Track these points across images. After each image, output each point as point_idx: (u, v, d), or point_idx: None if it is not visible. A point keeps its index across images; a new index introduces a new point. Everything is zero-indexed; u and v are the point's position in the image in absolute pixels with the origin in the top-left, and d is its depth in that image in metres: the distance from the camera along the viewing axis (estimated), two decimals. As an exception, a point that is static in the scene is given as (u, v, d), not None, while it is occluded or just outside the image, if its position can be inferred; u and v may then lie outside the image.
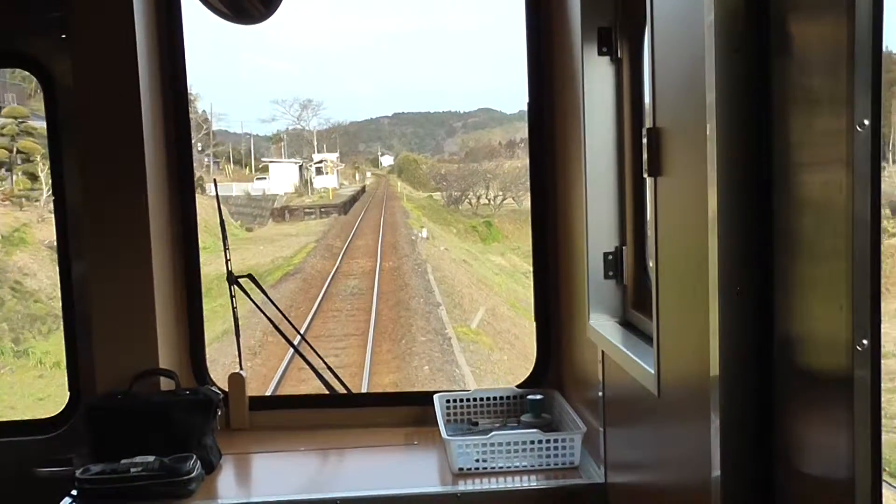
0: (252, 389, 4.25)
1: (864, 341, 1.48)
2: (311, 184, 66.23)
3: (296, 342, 4.35)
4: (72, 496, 3.19)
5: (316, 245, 35.13)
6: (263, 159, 72.82)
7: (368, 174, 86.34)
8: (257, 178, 63.73)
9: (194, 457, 3.32)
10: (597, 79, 3.02)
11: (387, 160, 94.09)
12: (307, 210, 53.24)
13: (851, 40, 1.43)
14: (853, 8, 1.42)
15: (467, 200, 54.69)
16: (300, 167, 69.05)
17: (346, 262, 30.20)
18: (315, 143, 79.13)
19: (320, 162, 72.10)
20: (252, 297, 4.01)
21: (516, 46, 3.94)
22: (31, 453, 3.62)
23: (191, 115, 4.20)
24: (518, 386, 3.95)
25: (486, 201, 52.27)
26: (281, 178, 64.14)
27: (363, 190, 71.73)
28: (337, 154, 79.85)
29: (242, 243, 35.43)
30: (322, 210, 52.93)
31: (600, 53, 3.01)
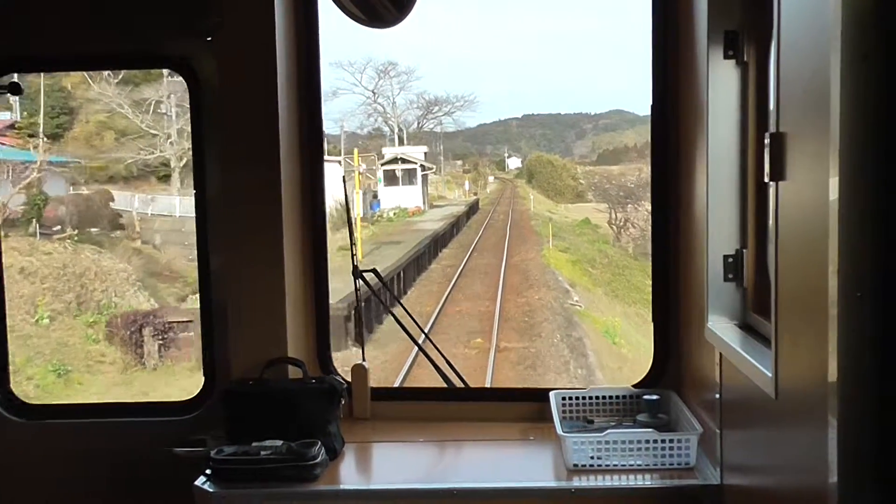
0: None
1: None
2: (372, 201, 41.10)
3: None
4: (206, 475, 3.36)
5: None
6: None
7: (491, 178, 72.91)
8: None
9: (319, 443, 3.45)
10: (722, 82, 3.02)
11: (514, 163, 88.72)
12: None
13: None
14: None
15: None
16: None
17: None
18: (396, 134, 53.36)
19: (393, 161, 45.19)
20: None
21: (647, 47, 3.90)
22: (170, 433, 3.82)
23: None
24: (634, 386, 3.96)
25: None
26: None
27: (473, 208, 46.13)
28: (426, 149, 51.62)
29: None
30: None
31: (726, 57, 3.00)
